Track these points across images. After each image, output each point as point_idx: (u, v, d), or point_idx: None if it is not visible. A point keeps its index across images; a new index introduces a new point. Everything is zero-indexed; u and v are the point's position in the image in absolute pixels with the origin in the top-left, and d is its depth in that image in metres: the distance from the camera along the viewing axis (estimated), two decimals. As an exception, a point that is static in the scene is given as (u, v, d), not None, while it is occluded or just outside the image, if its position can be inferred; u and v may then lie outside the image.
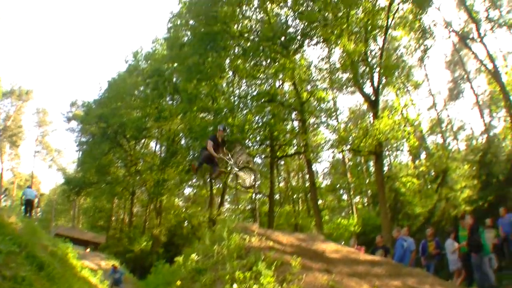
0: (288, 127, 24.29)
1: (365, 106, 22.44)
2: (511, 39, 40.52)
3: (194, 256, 5.96)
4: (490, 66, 20.08)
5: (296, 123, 24.04)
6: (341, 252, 6.47)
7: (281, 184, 27.65)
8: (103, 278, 14.36)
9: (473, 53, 22.80)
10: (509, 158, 18.73)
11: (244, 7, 24.56)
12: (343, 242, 12.39)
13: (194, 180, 29.26)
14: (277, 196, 26.84)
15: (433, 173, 23.46)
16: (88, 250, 25.10)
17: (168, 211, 31.55)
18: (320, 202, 25.31)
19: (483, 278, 9.42)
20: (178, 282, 5.41)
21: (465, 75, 31.05)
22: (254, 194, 26.68)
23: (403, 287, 5.29)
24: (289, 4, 23.58)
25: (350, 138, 20.86)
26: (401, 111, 23.04)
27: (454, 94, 32.41)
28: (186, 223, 29.51)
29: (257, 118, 23.06)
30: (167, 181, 28.37)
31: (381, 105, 23.07)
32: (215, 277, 4.59)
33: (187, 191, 33.92)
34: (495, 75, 19.63)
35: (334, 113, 24.23)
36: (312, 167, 23.88)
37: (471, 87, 30.36)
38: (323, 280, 4.58)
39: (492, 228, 11.05)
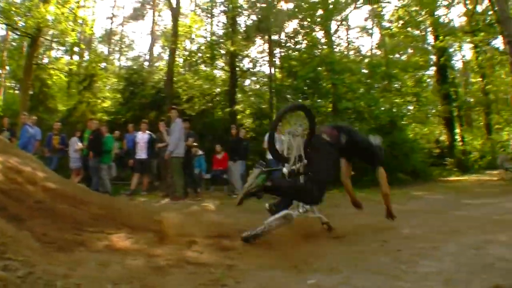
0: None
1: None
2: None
3: None
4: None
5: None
6: None
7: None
8: None
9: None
10: (154, 86, 20.07)
11: None
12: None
13: None
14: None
15: (82, 76, 23.32)
16: None
17: None
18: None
19: (99, 183, 9.98)
20: None
21: (152, 2, 32.89)
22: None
23: (3, 162, 5.63)
24: None
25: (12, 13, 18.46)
26: (74, 7, 21.59)
27: (137, 15, 33.93)
28: None
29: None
30: None
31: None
32: None
33: None
34: (175, 14, 19.70)
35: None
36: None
37: (153, 16, 32.65)
38: None
39: (118, 141, 11.71)
